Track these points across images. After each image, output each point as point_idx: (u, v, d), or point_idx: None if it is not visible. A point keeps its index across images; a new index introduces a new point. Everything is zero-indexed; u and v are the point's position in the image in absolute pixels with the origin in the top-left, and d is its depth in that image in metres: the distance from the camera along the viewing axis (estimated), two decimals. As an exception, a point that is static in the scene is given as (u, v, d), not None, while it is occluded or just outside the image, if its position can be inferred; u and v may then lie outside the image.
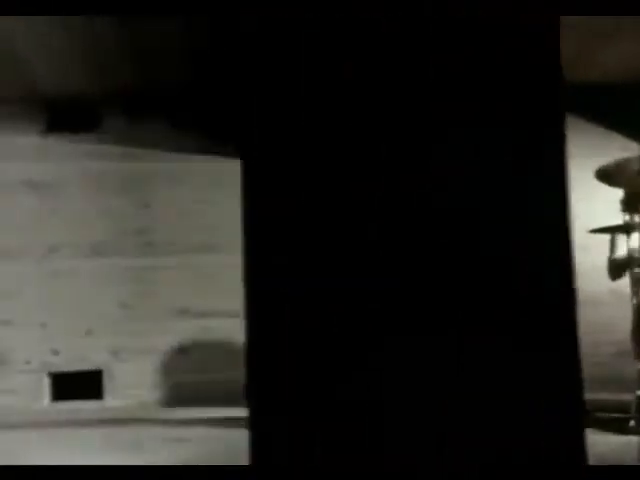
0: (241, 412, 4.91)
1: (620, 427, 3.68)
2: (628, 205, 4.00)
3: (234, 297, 6.06)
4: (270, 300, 2.24)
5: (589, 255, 4.16)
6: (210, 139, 6.12)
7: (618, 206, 4.14)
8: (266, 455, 2.23)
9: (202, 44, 5.21)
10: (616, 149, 5.58)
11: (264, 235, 2.19)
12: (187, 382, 5.97)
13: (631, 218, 4.00)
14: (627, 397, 3.93)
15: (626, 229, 3.99)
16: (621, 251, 4.11)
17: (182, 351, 6.03)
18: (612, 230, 4.17)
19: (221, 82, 5.75)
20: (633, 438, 3.46)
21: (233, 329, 6.05)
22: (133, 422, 4.95)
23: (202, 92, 5.93)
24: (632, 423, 3.73)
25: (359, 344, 1.77)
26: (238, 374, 6.02)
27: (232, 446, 3.81)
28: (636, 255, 3.94)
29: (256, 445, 2.32)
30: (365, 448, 1.64)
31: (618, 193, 4.18)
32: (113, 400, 5.94)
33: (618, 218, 4.14)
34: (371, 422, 1.65)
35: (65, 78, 5.74)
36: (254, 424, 2.36)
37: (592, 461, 1.58)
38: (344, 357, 1.86)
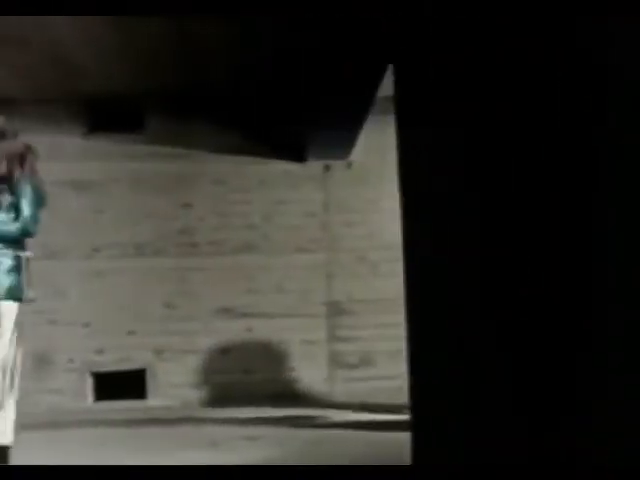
0: (293, 411, 4.94)
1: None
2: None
3: (275, 297, 6.09)
4: (431, 304, 2.27)
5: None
6: (253, 141, 6.14)
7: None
8: (428, 455, 2.26)
9: (251, 46, 5.22)
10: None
11: (424, 250, 2.20)
12: (229, 382, 6.01)
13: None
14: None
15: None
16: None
17: (224, 351, 6.06)
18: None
19: (270, 84, 5.76)
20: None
21: (274, 329, 6.10)
22: (194, 421, 4.99)
23: (249, 94, 5.94)
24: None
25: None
26: (279, 374, 6.05)
27: (305, 444, 3.85)
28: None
29: (418, 445, 2.35)
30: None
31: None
32: (156, 400, 5.98)
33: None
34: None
35: (112, 79, 5.78)
36: (417, 425, 2.39)
37: None
38: (486, 358, 1.87)
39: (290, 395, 5.97)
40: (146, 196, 6.14)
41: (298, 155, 6.13)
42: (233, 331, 6.06)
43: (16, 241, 3.56)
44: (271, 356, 6.08)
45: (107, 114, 6.18)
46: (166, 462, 3.38)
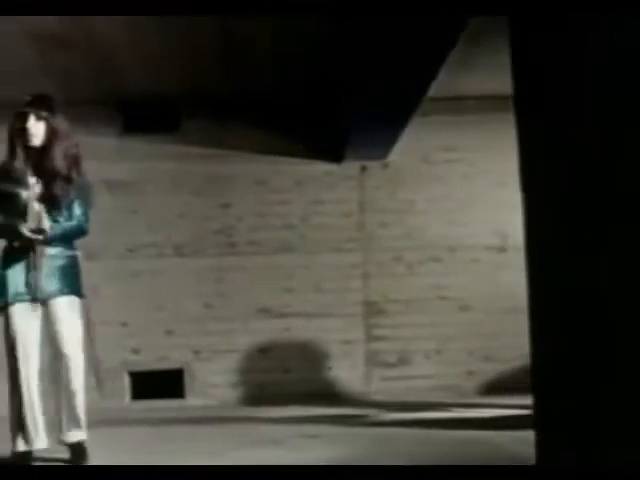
0: (339, 410, 4.95)
1: None
2: None
3: (313, 297, 6.11)
4: (554, 302, 2.29)
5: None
6: (291, 141, 6.16)
7: None
8: (553, 455, 2.28)
9: (294, 45, 5.22)
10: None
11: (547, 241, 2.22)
12: (267, 381, 6.03)
13: None
14: None
15: None
16: None
17: (262, 351, 6.08)
18: None
19: (312, 84, 5.78)
20: None
21: (312, 329, 6.12)
22: (240, 420, 5.00)
23: (289, 94, 5.96)
24: None
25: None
26: (316, 373, 6.08)
27: (362, 442, 3.88)
28: None
29: (543, 445, 2.37)
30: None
31: None
32: (194, 399, 5.99)
33: None
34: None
35: (151, 79, 5.77)
36: (541, 426, 2.41)
37: None
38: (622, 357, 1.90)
39: (328, 394, 6.00)
40: (183, 196, 6.15)
41: (335, 156, 6.16)
42: (271, 331, 6.08)
43: (69, 240, 3.59)
44: (308, 355, 6.10)
45: (143, 114, 6.17)
46: (231, 460, 3.41)
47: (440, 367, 6.16)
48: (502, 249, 6.35)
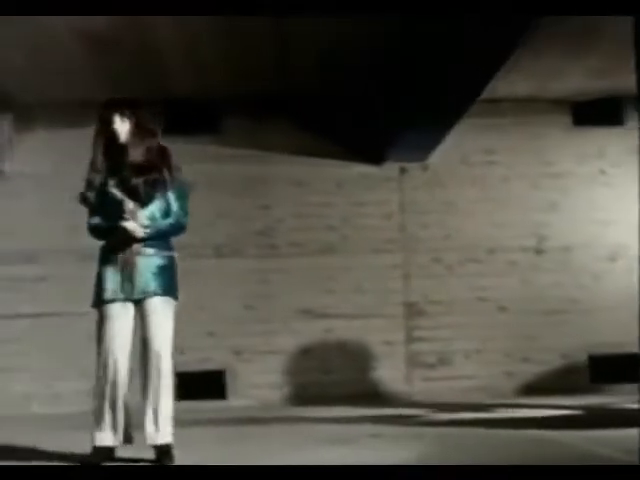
0: (384, 411, 4.94)
1: None
2: None
3: (354, 298, 6.13)
4: None
5: None
6: (332, 143, 6.19)
7: None
8: None
9: (339, 48, 5.24)
10: None
11: None
12: (309, 382, 6.04)
13: None
14: None
15: None
16: None
17: (304, 351, 6.09)
18: None
19: (356, 88, 5.80)
20: None
21: (353, 330, 6.14)
22: (291, 420, 5.01)
23: (332, 96, 5.98)
24: None
25: None
26: (358, 374, 6.09)
27: (430, 441, 3.86)
28: None
29: None
30: None
31: None
32: (237, 400, 6.00)
33: None
34: None
35: (195, 80, 5.79)
36: None
37: None
38: None
39: (369, 395, 6.01)
40: (223, 197, 6.16)
41: (375, 157, 6.18)
42: (312, 331, 6.09)
43: (165, 240, 3.59)
44: (350, 356, 6.12)
45: (183, 115, 6.19)
46: (309, 460, 3.41)
47: (479, 368, 6.18)
48: (539, 251, 6.38)
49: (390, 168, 6.26)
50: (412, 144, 5.69)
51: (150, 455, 3.46)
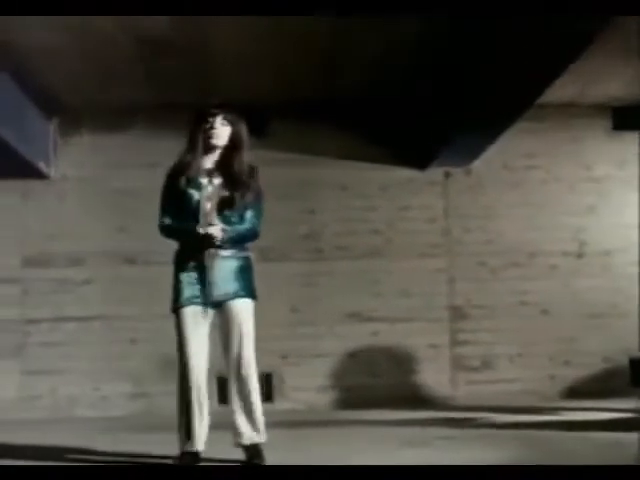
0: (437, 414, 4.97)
1: None
2: None
3: (399, 302, 6.15)
4: None
5: None
6: (378, 147, 6.22)
7: None
8: None
9: (392, 47, 5.23)
10: None
11: None
12: (355, 385, 6.07)
13: None
14: None
15: None
16: None
17: (351, 355, 6.12)
18: None
19: (404, 91, 5.83)
20: None
21: (399, 333, 6.17)
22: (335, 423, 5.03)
23: (379, 100, 6.01)
24: None
25: None
26: (403, 377, 6.11)
27: (504, 443, 3.87)
28: None
29: None
30: None
31: None
32: (283, 403, 6.02)
33: None
34: None
35: (244, 83, 5.80)
36: None
37: None
38: None
39: (415, 398, 6.04)
40: (269, 201, 6.14)
41: (420, 162, 6.21)
42: (358, 335, 6.12)
43: (242, 243, 3.62)
44: (396, 360, 6.14)
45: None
46: (393, 460, 3.45)
47: (523, 371, 6.22)
48: (580, 255, 6.42)
49: (434, 172, 6.30)
50: (462, 148, 5.72)
51: (235, 456, 3.50)
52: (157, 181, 6.19)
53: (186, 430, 3.49)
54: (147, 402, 6.06)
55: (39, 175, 6.07)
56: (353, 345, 6.13)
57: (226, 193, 3.52)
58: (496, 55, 4.55)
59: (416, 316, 6.17)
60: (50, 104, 6.06)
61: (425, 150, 6.09)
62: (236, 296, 3.52)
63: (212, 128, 3.55)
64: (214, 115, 3.56)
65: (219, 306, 3.53)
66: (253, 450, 3.49)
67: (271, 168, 6.15)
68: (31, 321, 6.10)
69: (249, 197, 3.56)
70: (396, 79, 5.67)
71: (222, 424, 3.56)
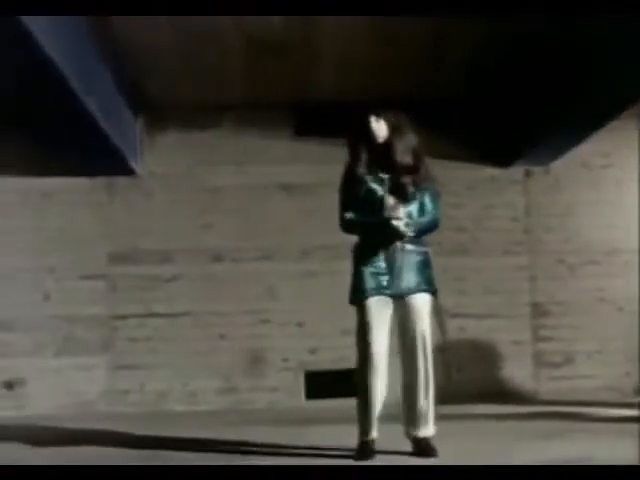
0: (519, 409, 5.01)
1: None
2: None
3: (484, 298, 6.22)
4: None
5: None
6: (463, 146, 6.30)
7: None
8: None
9: (486, 45, 5.28)
10: None
11: None
12: (442, 380, 6.11)
13: None
14: None
15: None
16: None
17: (438, 350, 6.16)
18: None
19: (495, 93, 5.91)
20: None
21: (483, 329, 6.26)
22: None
23: (469, 102, 6.09)
24: None
25: None
26: (488, 373, 6.18)
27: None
28: None
29: None
30: None
31: None
32: (371, 398, 6.08)
33: None
34: None
35: (336, 83, 5.86)
36: None
37: None
38: None
39: (498, 393, 6.13)
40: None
41: (503, 160, 6.30)
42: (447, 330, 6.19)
43: (423, 234, 3.68)
44: (480, 355, 6.23)
45: (316, 117, 6.28)
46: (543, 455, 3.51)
47: (602, 368, 6.32)
48: (654, 252, 6.52)
49: (515, 171, 6.39)
50: (551, 147, 5.81)
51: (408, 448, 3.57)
52: (244, 178, 6.34)
53: (367, 419, 3.56)
54: (235, 397, 6.11)
55: (127, 172, 6.10)
56: (440, 341, 6.19)
57: (399, 184, 3.58)
58: (592, 55, 4.56)
59: (499, 313, 6.26)
60: (137, 101, 6.09)
61: (509, 149, 6.17)
62: (418, 290, 3.58)
63: (368, 127, 3.62)
64: (367, 115, 3.63)
65: (400, 299, 3.58)
66: (422, 444, 3.56)
67: (357, 166, 6.22)
68: (118, 317, 6.13)
69: (423, 184, 3.62)
70: (489, 79, 5.75)
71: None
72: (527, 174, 6.45)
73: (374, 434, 3.59)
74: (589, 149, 6.45)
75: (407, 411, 3.63)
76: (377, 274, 3.57)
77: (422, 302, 3.60)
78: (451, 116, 6.33)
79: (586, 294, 6.40)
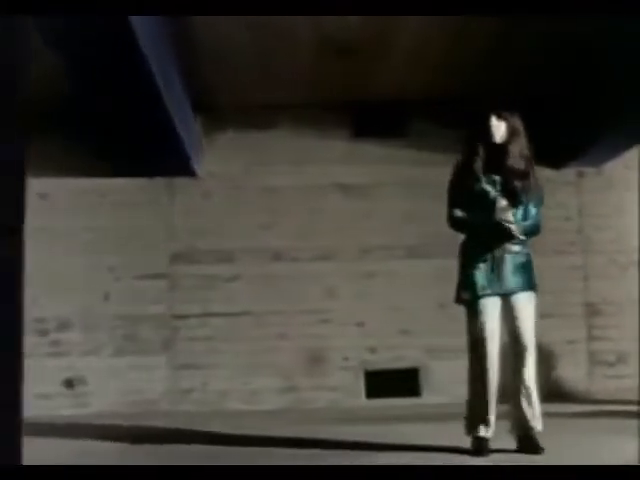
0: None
1: None
2: None
3: (539, 298, 6.29)
4: None
5: None
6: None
7: None
8: None
9: (536, 45, 5.34)
10: None
11: None
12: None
13: None
14: None
15: None
16: None
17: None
18: None
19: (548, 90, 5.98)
20: None
21: (537, 329, 6.33)
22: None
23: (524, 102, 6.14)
24: None
25: None
26: (542, 372, 6.26)
27: None
28: None
29: None
30: None
31: None
32: (430, 397, 6.17)
33: None
34: None
35: (394, 84, 5.91)
36: None
37: None
38: None
39: (553, 393, 6.21)
40: (414, 200, 6.31)
41: (556, 162, 6.39)
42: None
43: (528, 237, 3.75)
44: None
45: (373, 118, 6.34)
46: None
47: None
48: (700, 252, 6.64)
49: (567, 172, 6.49)
50: (608, 149, 5.91)
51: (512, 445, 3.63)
52: (302, 178, 6.39)
53: (482, 415, 3.62)
54: (296, 396, 6.16)
55: (190, 173, 6.14)
56: (496, 340, 6.28)
57: (514, 189, 3.65)
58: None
59: (553, 312, 6.34)
60: (198, 101, 6.12)
61: (563, 150, 6.27)
62: (522, 290, 3.66)
63: (488, 127, 3.68)
64: (488, 114, 3.69)
65: (507, 298, 3.66)
66: (527, 441, 3.64)
67: (415, 168, 6.33)
68: (179, 316, 6.17)
69: (532, 192, 3.69)
70: (550, 79, 5.83)
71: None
72: (579, 175, 6.55)
73: (489, 432, 3.65)
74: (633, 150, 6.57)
75: (513, 408, 3.70)
76: (485, 273, 3.65)
77: (527, 301, 3.69)
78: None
79: (635, 294, 6.49)
